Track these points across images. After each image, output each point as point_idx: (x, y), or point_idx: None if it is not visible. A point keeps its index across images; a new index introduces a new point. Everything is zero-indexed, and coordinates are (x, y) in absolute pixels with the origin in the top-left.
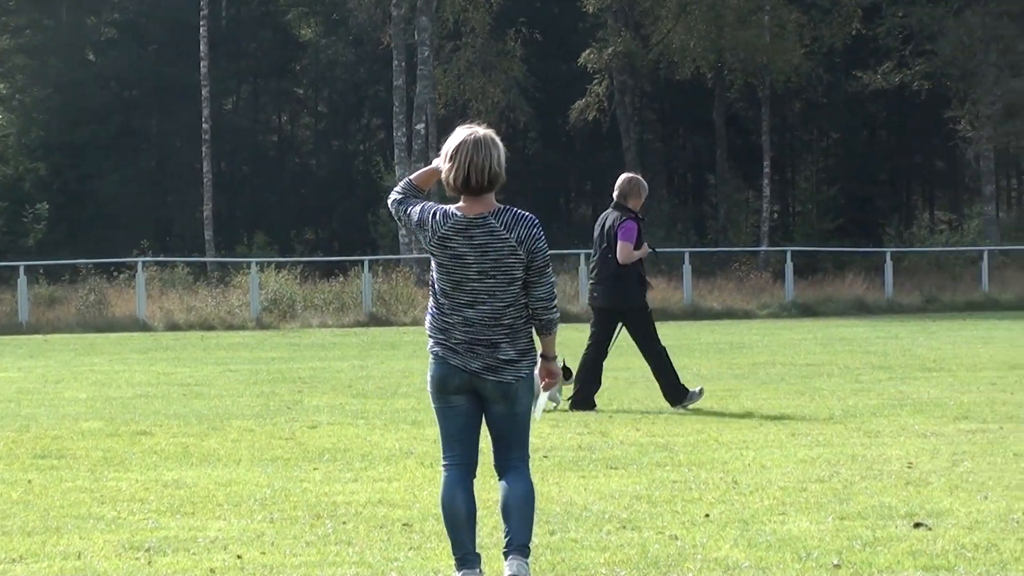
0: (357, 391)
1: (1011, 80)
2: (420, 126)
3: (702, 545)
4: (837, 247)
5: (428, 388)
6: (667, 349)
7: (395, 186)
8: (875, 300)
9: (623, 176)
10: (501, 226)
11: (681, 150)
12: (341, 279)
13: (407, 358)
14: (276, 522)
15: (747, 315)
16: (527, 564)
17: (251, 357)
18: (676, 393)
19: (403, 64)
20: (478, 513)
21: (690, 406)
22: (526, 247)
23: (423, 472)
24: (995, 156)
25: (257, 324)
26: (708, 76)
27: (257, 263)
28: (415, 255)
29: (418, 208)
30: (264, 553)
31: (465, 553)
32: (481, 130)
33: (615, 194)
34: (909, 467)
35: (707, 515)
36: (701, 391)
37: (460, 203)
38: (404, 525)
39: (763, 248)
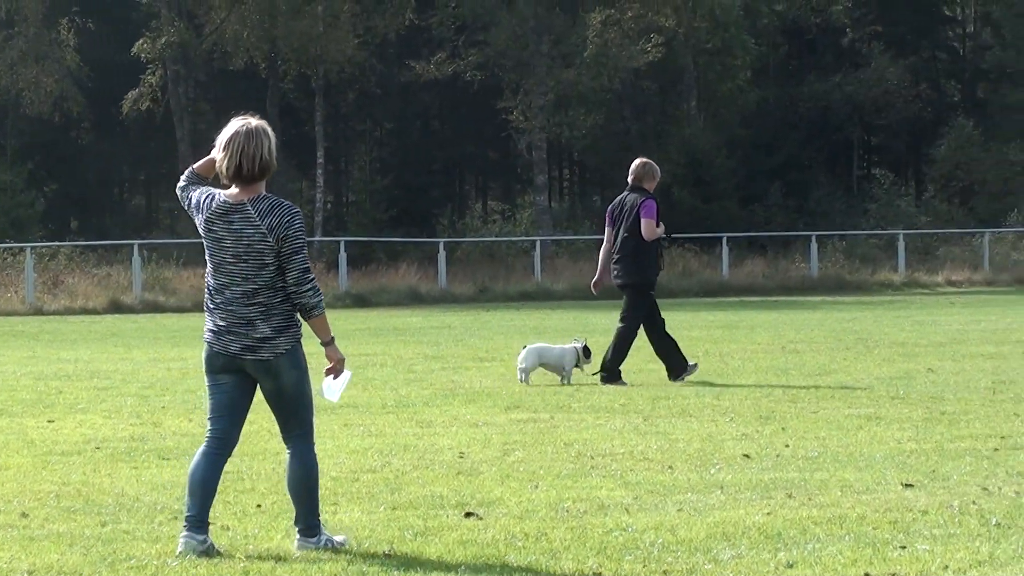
0: None
1: (562, 71)
2: None
3: (254, 536)
4: (391, 237)
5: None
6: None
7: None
8: (429, 290)
9: (637, 161)
10: (256, 213)
11: None
12: None
13: None
14: None
15: None
16: (312, 543)
17: None
18: (612, 373)
19: None
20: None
21: (606, 387)
22: (276, 235)
23: None
24: (547, 146)
25: None
26: (262, 66)
27: None
28: None
29: (197, 192)
30: None
31: (190, 515)
32: (254, 121)
33: (630, 178)
34: (461, 457)
35: (259, 505)
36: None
37: (232, 189)
38: None
39: (317, 238)
